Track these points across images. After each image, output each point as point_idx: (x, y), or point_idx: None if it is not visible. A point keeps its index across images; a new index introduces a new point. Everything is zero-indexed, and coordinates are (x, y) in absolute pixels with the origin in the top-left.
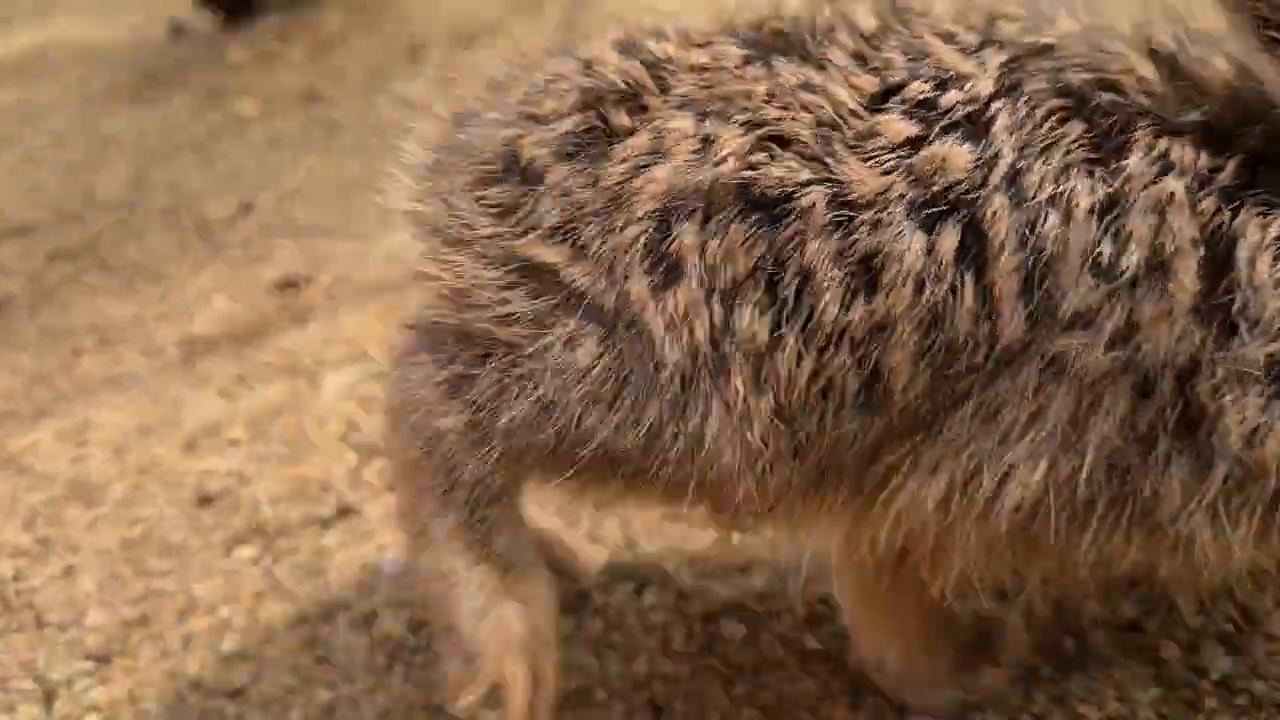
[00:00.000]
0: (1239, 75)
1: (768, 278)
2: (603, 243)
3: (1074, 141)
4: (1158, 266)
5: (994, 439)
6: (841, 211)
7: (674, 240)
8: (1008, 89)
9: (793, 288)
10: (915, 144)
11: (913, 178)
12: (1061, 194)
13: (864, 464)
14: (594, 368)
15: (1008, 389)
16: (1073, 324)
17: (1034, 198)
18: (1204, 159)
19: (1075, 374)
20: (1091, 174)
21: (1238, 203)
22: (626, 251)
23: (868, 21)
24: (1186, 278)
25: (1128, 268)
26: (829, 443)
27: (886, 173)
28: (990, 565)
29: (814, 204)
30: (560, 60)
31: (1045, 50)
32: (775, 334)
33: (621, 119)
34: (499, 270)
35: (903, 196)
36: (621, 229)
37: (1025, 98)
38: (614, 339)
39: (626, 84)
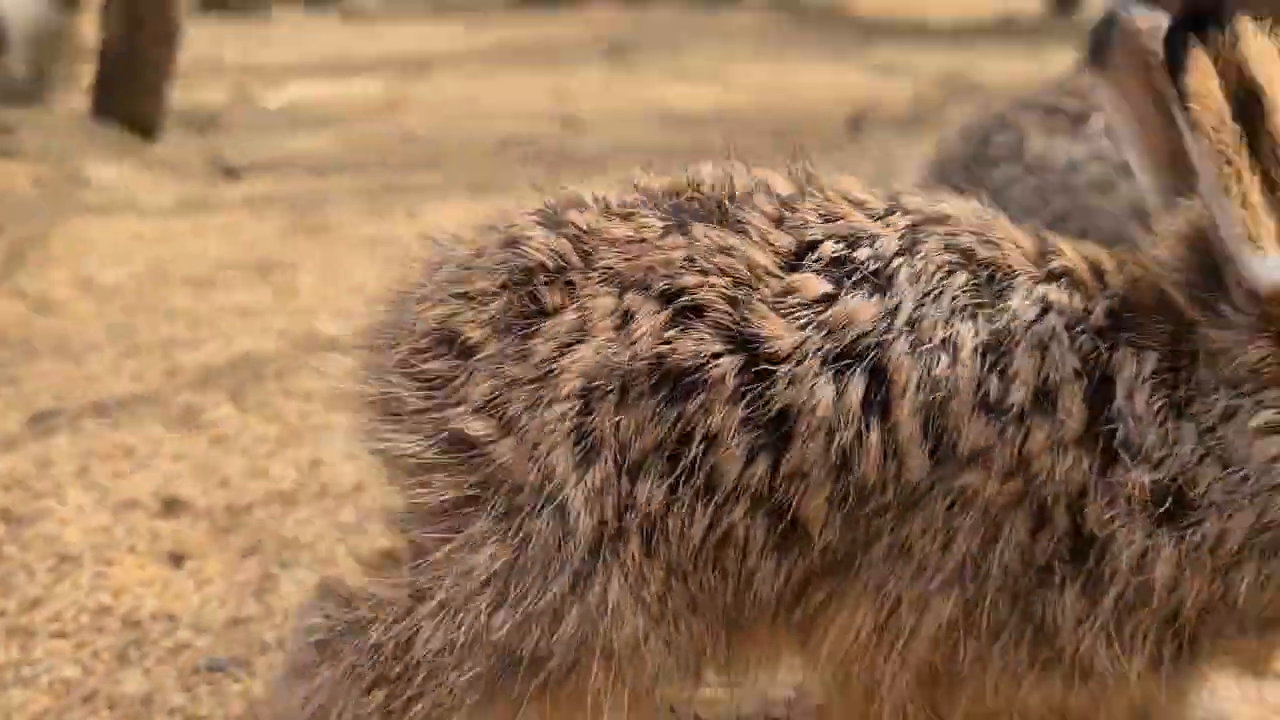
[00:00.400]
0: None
1: (671, 449)
2: (530, 419)
3: (960, 288)
4: (1044, 398)
5: (909, 573)
6: (753, 375)
7: (595, 418)
8: (909, 247)
9: (696, 453)
10: (828, 300)
11: (825, 331)
12: (950, 337)
13: (791, 600)
14: (497, 564)
15: (918, 525)
16: (972, 460)
17: (928, 342)
18: (1076, 301)
19: (977, 507)
20: (975, 316)
21: (1110, 341)
22: (552, 428)
23: (785, 186)
24: (1073, 406)
25: (1015, 403)
26: (737, 588)
27: (801, 328)
28: (921, 701)
29: (724, 375)
30: (485, 235)
31: (943, 218)
32: (671, 497)
33: (552, 296)
34: (427, 443)
35: (817, 350)
36: (548, 406)
37: (922, 254)
38: (520, 523)
39: (553, 261)
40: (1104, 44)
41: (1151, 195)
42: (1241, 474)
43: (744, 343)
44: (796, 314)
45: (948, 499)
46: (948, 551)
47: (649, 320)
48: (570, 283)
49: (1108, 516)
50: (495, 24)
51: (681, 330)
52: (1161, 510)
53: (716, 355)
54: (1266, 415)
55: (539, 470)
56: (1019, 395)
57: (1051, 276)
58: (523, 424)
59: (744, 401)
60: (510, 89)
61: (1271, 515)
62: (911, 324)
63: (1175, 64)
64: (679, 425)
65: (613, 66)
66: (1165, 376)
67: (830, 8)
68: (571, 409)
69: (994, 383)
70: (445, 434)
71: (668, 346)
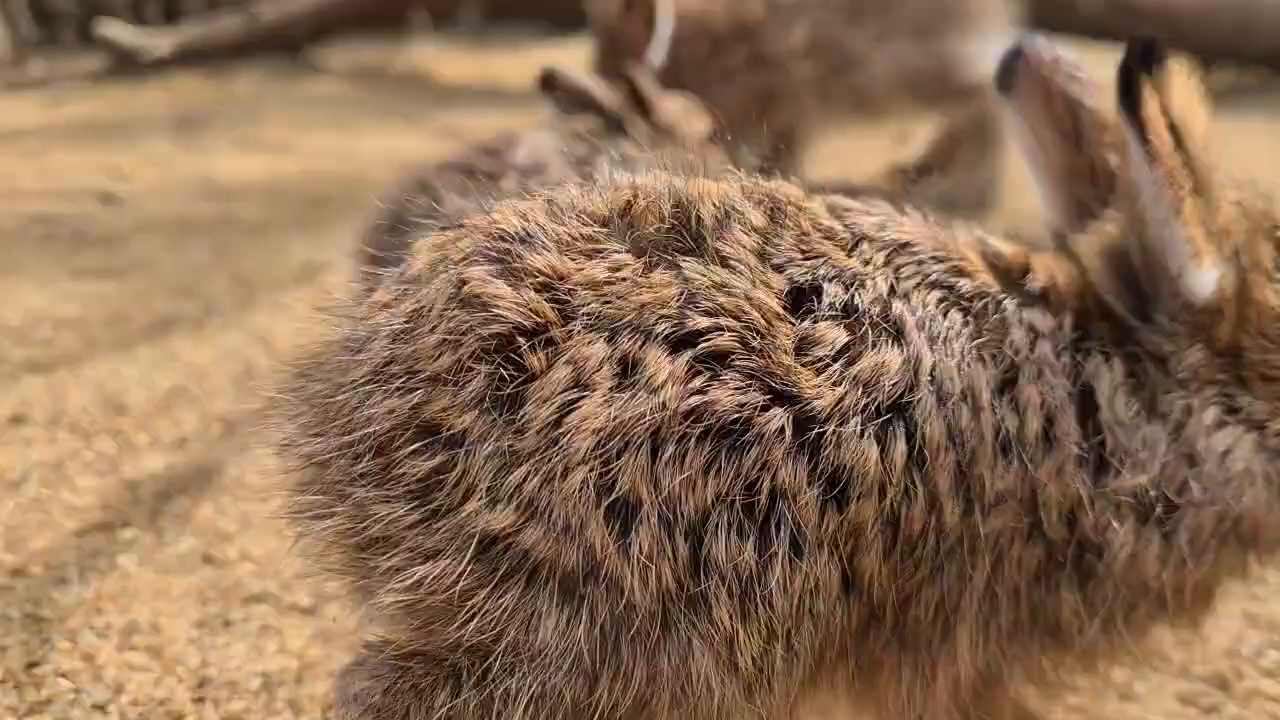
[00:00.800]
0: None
1: (742, 503)
2: (549, 494)
3: (960, 328)
4: (1049, 426)
5: (952, 607)
6: (806, 431)
7: (623, 478)
8: (895, 285)
9: (772, 507)
10: (849, 349)
11: (861, 388)
12: (968, 386)
13: (858, 641)
14: (567, 640)
15: (953, 570)
16: (998, 503)
17: (952, 395)
18: (1052, 319)
19: (1001, 542)
20: (983, 359)
21: (1083, 352)
22: (576, 500)
23: (756, 216)
24: (1069, 427)
25: (1028, 438)
26: (821, 642)
27: (836, 384)
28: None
29: (780, 428)
30: (407, 287)
31: (903, 245)
32: (764, 555)
33: (534, 359)
34: (453, 561)
35: (857, 408)
36: (564, 476)
37: (912, 295)
38: (582, 602)
39: (530, 321)
40: (1010, 73)
41: (1052, 210)
42: (1205, 469)
43: (786, 397)
44: (827, 368)
45: (975, 541)
46: (971, 585)
47: (664, 367)
48: (551, 340)
49: (1103, 523)
50: (72, 99)
51: (711, 379)
52: (1149, 511)
53: (764, 408)
54: (1213, 412)
55: (578, 549)
56: (1031, 429)
57: (1032, 299)
58: (543, 503)
59: (805, 456)
60: (59, 166)
61: (1233, 507)
62: (934, 376)
63: (1128, 98)
64: (741, 479)
65: (178, 140)
66: (1131, 380)
67: (412, 74)
68: (592, 473)
69: (1009, 422)
70: (468, 540)
71: (703, 398)
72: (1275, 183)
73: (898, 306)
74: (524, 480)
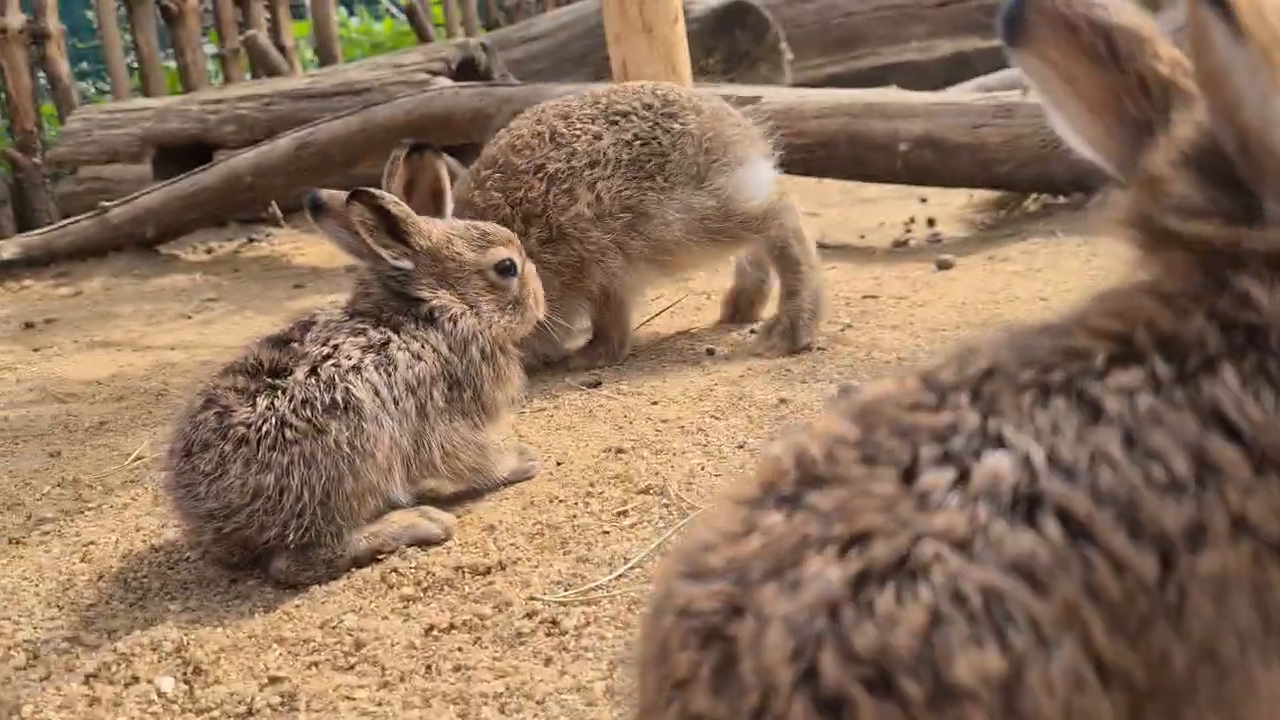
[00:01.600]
0: None
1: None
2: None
3: (1068, 413)
4: (1203, 462)
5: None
6: (966, 548)
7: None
8: (990, 409)
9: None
10: (962, 479)
11: (985, 500)
12: (1096, 452)
13: None
14: None
15: (1172, 618)
16: (1192, 537)
17: (1081, 469)
18: (1139, 371)
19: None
20: (1093, 427)
21: (1190, 382)
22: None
23: (850, 431)
24: (1227, 450)
25: (1183, 474)
26: None
27: (963, 508)
28: None
29: (938, 554)
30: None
31: (989, 373)
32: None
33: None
34: None
35: (989, 517)
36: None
37: (998, 400)
38: None
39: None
40: (1018, 22)
41: (1105, 148)
42: None
43: (931, 536)
44: (947, 502)
45: (1188, 584)
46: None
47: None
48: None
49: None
50: None
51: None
52: None
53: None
54: None
55: None
56: (1180, 467)
57: (1119, 358)
58: None
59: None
60: None
61: None
62: (1053, 459)
63: None
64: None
65: (24, 345)
66: (1251, 361)
67: (268, 261)
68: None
69: (1157, 471)
70: None
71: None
72: None
73: (993, 425)
74: None
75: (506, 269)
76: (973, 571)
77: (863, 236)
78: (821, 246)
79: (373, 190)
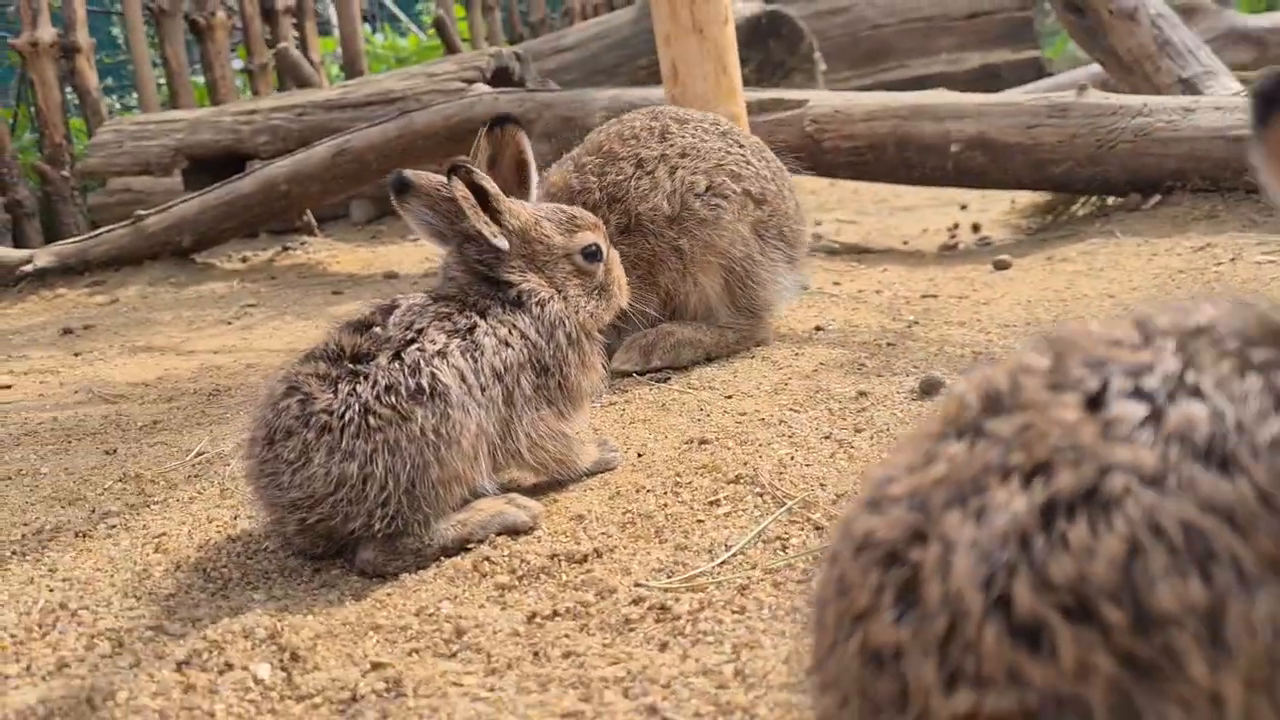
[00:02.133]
0: None
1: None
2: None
3: (1261, 390)
4: None
5: None
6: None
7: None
8: (1191, 362)
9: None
10: (1155, 416)
11: (1178, 441)
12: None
13: None
14: None
15: None
16: None
17: (1259, 443)
18: None
19: None
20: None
21: None
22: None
23: (1039, 361)
24: None
25: None
26: None
27: (1153, 445)
28: None
29: (1126, 487)
30: None
31: (1200, 330)
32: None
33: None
34: None
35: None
36: None
37: (1206, 367)
38: None
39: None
40: (1273, 102)
41: None
42: None
43: (1111, 468)
44: (1135, 435)
45: None
46: None
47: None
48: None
49: None
50: None
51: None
52: None
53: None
54: None
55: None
56: None
57: None
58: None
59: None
60: None
61: None
62: (1241, 428)
63: None
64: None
65: (64, 350)
66: None
67: (304, 269)
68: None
69: None
70: None
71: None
72: None
73: (1191, 376)
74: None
75: (592, 254)
76: (1169, 505)
77: (906, 242)
78: (866, 251)
79: (470, 165)
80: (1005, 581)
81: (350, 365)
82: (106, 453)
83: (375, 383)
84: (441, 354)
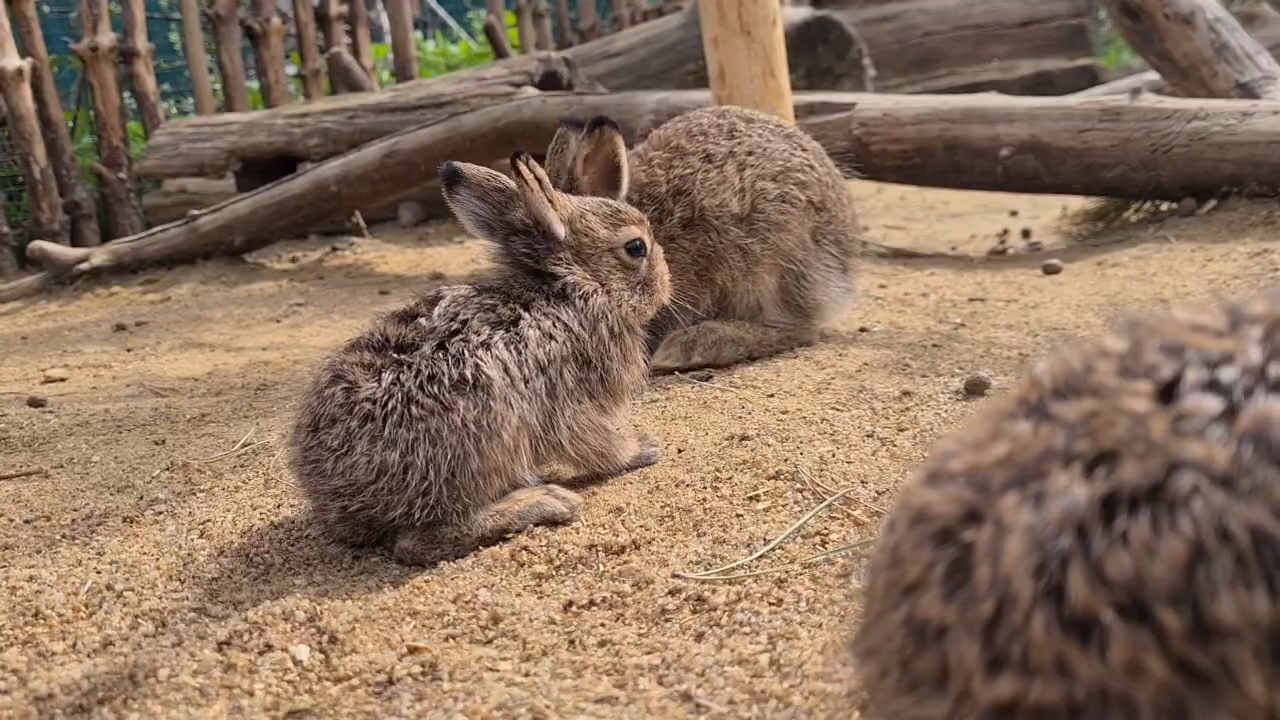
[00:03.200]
0: None
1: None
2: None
3: None
4: None
5: None
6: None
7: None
8: (1275, 352)
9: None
10: (1230, 414)
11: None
12: None
13: None
14: None
15: None
16: None
17: None
18: None
19: None
20: None
21: None
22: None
23: (1116, 344)
24: None
25: None
26: None
27: (1226, 444)
28: None
29: (1195, 487)
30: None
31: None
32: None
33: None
34: None
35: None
36: None
37: None
38: None
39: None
40: None
41: None
42: None
43: (1180, 465)
44: (1207, 431)
45: None
46: None
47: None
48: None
49: None
50: (1, 317)
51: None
52: None
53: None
54: None
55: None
56: None
57: None
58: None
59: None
60: None
61: None
62: None
63: None
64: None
65: (117, 345)
66: None
67: (352, 269)
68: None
69: None
70: None
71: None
72: None
73: (1274, 369)
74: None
75: (636, 249)
76: (1239, 509)
77: (954, 248)
78: (914, 255)
79: (527, 154)
80: (1058, 571)
81: (395, 355)
82: (156, 443)
83: (419, 372)
84: (485, 345)
